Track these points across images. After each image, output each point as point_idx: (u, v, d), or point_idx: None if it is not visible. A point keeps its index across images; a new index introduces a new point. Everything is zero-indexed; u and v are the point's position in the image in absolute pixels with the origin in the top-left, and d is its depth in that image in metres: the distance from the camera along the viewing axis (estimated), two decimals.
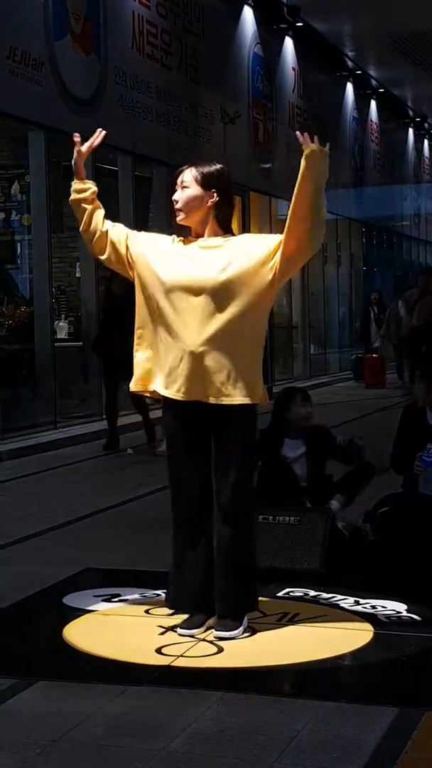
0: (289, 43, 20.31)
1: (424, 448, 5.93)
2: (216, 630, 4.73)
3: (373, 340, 19.89)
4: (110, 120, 13.57)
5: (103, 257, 4.95)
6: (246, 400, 4.68)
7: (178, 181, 4.75)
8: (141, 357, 4.87)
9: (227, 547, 4.74)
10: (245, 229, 17.97)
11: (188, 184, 4.72)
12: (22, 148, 12.79)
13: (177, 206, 4.74)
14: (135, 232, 4.95)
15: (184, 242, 4.80)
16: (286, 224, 4.68)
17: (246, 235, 4.98)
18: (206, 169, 4.76)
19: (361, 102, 25.46)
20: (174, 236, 4.85)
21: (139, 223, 14.72)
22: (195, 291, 4.65)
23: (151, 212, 15.54)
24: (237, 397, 4.67)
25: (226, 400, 4.67)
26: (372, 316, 20.07)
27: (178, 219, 4.76)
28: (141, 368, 4.87)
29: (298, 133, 4.74)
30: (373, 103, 26.62)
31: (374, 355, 19.84)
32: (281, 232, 4.74)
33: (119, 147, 14.14)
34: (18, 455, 10.88)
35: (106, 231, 4.90)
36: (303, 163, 4.65)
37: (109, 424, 11.30)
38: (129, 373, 4.91)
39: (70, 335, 13.85)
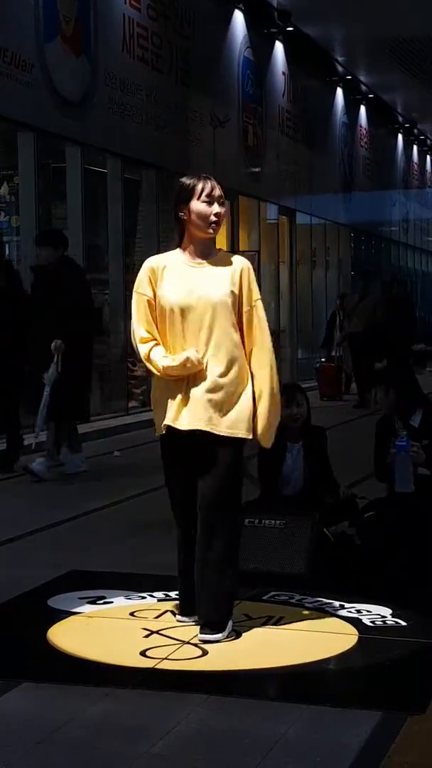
0: (279, 47, 20.28)
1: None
2: (201, 634, 4.73)
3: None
4: (100, 122, 13.64)
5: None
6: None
7: (217, 194, 4.74)
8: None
9: (210, 555, 4.75)
10: (234, 233, 17.93)
11: (224, 200, 4.79)
12: (11, 149, 12.73)
13: (219, 220, 4.76)
14: (144, 286, 4.83)
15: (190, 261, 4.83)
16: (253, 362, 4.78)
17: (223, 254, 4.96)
18: None
19: (350, 107, 25.43)
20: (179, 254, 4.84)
21: (128, 226, 14.69)
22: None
23: (140, 215, 15.48)
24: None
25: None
26: (338, 320, 18.17)
27: (212, 233, 4.76)
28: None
29: None
30: (362, 109, 26.58)
31: (330, 364, 18.06)
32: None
33: (108, 149, 14.16)
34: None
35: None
36: None
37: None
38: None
39: None
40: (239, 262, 4.82)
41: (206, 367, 4.66)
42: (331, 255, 24.19)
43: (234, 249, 17.32)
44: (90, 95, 13.47)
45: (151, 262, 4.81)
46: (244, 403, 4.70)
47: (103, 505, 8.20)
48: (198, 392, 4.66)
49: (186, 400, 4.67)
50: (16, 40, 11.88)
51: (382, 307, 16.04)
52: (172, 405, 4.70)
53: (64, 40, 12.85)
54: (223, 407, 4.66)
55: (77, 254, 13.19)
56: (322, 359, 18.75)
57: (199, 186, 4.70)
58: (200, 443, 4.67)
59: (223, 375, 4.66)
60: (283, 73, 20.68)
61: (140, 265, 4.88)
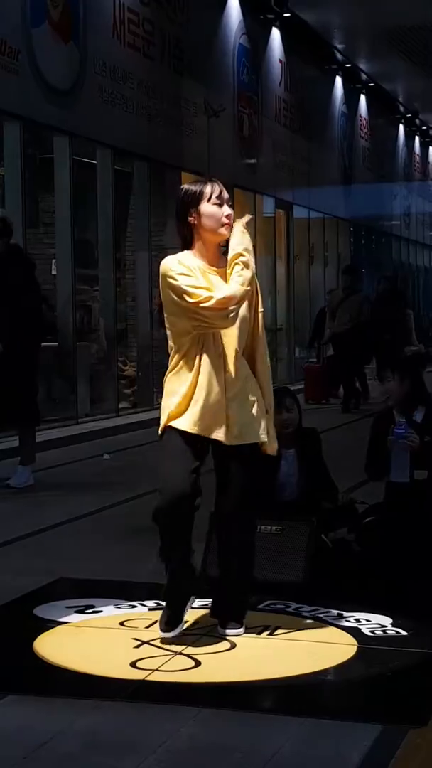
0: (276, 34, 20.17)
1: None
2: (229, 629, 4.85)
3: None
4: (89, 112, 13.66)
5: None
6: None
7: (225, 196, 4.82)
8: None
9: (232, 555, 4.89)
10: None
11: (231, 202, 4.87)
12: None
13: (229, 222, 4.81)
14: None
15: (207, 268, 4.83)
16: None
17: None
18: None
19: (350, 96, 25.43)
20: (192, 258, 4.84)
21: (119, 220, 14.45)
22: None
23: (131, 208, 15.38)
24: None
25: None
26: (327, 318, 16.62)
27: (226, 234, 4.80)
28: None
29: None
30: (362, 98, 26.59)
31: (316, 364, 17.07)
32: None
33: (98, 140, 14.05)
34: None
35: None
36: None
37: None
38: None
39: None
40: None
41: (224, 372, 4.76)
42: (330, 250, 24.10)
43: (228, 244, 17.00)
44: (79, 83, 13.34)
45: (178, 260, 4.79)
46: (261, 406, 4.86)
47: (93, 510, 8.11)
48: (220, 399, 4.74)
49: (207, 406, 4.72)
50: (2, 25, 11.75)
51: (367, 305, 15.32)
52: (192, 410, 4.73)
53: (52, 25, 12.72)
54: (244, 412, 4.79)
55: (66, 249, 12.96)
56: (313, 359, 18.00)
57: (208, 189, 4.79)
58: (218, 446, 4.77)
59: (243, 382, 4.80)
60: (280, 61, 20.57)
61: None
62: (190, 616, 4.92)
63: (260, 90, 19.52)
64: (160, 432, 4.82)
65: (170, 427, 4.75)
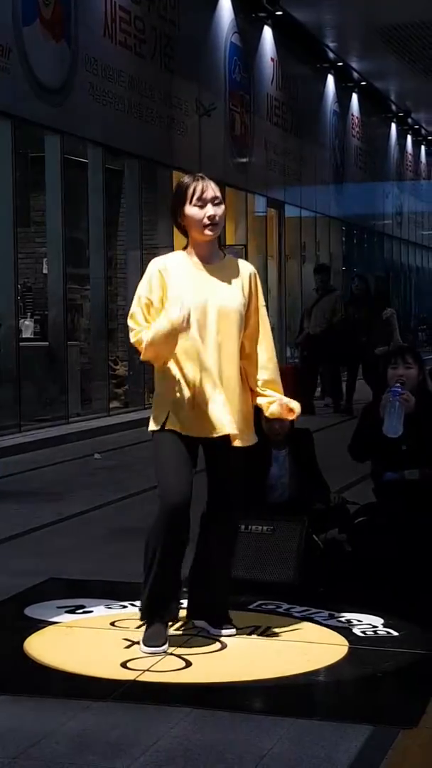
0: (268, 32, 20.10)
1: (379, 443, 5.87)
2: (224, 629, 4.84)
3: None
4: (80, 110, 13.60)
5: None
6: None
7: (209, 196, 4.72)
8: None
9: (225, 554, 4.90)
10: None
11: (221, 200, 4.78)
12: None
13: (215, 222, 4.73)
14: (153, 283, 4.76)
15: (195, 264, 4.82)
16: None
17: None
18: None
19: (342, 95, 25.35)
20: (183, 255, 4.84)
21: (110, 218, 14.40)
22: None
23: (122, 207, 15.32)
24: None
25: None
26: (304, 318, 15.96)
27: (211, 235, 4.74)
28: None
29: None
30: (354, 97, 26.52)
31: (289, 365, 16.52)
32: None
33: (89, 138, 14.00)
34: None
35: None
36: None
37: None
38: None
39: (35, 334, 13.58)
40: (247, 267, 4.90)
41: (219, 372, 4.70)
42: (322, 249, 24.02)
43: (220, 243, 16.92)
44: (70, 81, 13.30)
45: (158, 264, 4.80)
46: (250, 408, 4.86)
47: (84, 509, 8.08)
48: (216, 398, 4.69)
49: (202, 406, 4.68)
50: None
51: (341, 306, 14.86)
52: (184, 410, 4.68)
53: (43, 23, 12.67)
54: (238, 413, 4.74)
55: (57, 248, 12.91)
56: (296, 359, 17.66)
57: (191, 189, 4.73)
58: (211, 446, 4.73)
59: (235, 381, 4.76)
60: (272, 60, 20.52)
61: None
62: (181, 615, 4.90)
63: (252, 88, 19.46)
64: (153, 429, 4.72)
65: (164, 428, 4.68)
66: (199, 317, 4.66)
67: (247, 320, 4.79)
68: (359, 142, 27.14)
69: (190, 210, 4.70)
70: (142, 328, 4.65)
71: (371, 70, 25.09)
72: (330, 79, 24.37)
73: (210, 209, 4.69)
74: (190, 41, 16.46)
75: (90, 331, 14.27)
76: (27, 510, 8.09)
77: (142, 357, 4.74)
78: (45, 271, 13.63)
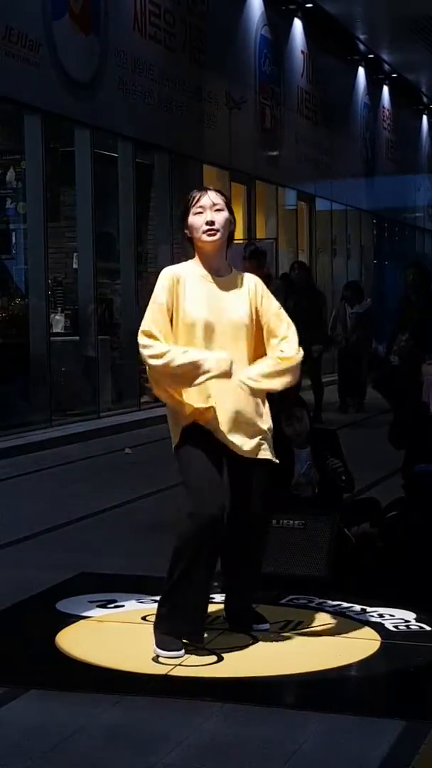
0: (298, 24, 20.03)
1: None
2: (259, 625, 4.84)
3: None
4: (110, 104, 13.63)
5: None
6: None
7: (209, 203, 4.77)
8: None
9: (255, 556, 4.88)
10: (250, 219, 17.66)
11: (222, 207, 4.81)
12: (17, 132, 12.58)
13: (215, 227, 4.77)
14: (163, 297, 4.74)
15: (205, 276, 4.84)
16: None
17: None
18: (224, 194, 4.94)
19: (373, 87, 25.24)
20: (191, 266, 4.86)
21: (140, 213, 14.41)
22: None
23: (152, 201, 15.31)
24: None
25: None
26: (347, 315, 15.08)
27: (209, 240, 4.77)
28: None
29: None
30: (385, 89, 26.39)
31: None
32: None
33: (119, 132, 14.02)
34: (11, 454, 10.74)
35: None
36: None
37: None
38: None
39: (66, 329, 13.57)
40: (251, 278, 4.91)
41: (228, 384, 4.68)
42: (353, 243, 23.96)
43: (251, 237, 17.14)
44: (100, 76, 13.32)
45: (171, 272, 4.83)
46: (263, 417, 4.79)
47: (114, 504, 8.11)
48: (235, 413, 4.68)
49: (213, 422, 4.67)
50: (23, 18, 11.73)
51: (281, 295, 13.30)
52: (216, 417, 4.67)
53: (73, 17, 12.70)
54: (249, 426, 4.72)
55: (87, 243, 12.92)
56: None
57: (192, 199, 4.82)
58: (233, 459, 4.73)
59: (245, 393, 4.71)
60: (302, 52, 20.44)
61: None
62: (212, 610, 4.87)
63: (282, 81, 19.41)
64: (180, 432, 4.70)
65: (192, 430, 4.67)
66: (210, 331, 4.68)
67: (258, 329, 4.80)
68: (390, 135, 27.02)
69: (192, 218, 4.79)
70: (168, 348, 4.60)
71: (402, 62, 24.93)
72: (360, 72, 24.28)
73: (208, 215, 4.76)
74: (220, 34, 16.44)
75: (120, 326, 14.28)
76: (58, 505, 8.12)
77: (148, 370, 4.68)
78: (75, 265, 13.63)
